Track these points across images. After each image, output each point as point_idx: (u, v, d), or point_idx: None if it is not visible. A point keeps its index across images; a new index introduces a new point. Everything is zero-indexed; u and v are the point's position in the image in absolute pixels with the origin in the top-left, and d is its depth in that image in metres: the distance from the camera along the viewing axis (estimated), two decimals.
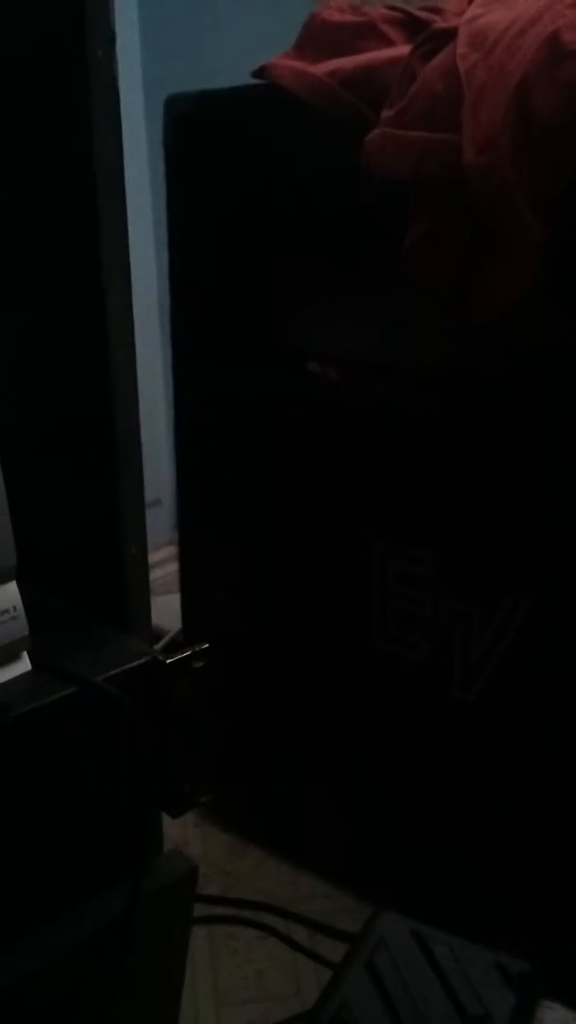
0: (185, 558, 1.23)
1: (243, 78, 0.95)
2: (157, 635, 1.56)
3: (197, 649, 0.58)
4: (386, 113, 0.84)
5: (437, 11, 0.91)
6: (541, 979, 0.68)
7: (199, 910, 1.14)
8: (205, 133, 1.02)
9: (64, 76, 0.51)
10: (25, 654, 0.48)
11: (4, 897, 0.55)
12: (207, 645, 0.59)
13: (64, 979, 0.59)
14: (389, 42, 0.93)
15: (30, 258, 0.62)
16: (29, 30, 0.55)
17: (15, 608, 0.46)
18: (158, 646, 0.60)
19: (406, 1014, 0.65)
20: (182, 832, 1.30)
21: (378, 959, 0.70)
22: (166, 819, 0.65)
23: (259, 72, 0.94)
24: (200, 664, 0.58)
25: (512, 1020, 0.64)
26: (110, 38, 0.48)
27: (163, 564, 1.82)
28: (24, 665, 0.48)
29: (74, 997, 0.60)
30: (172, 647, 0.59)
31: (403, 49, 0.88)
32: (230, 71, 0.96)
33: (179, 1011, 0.73)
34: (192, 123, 1.01)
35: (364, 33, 0.93)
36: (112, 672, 0.55)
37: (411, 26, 0.92)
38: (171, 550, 1.73)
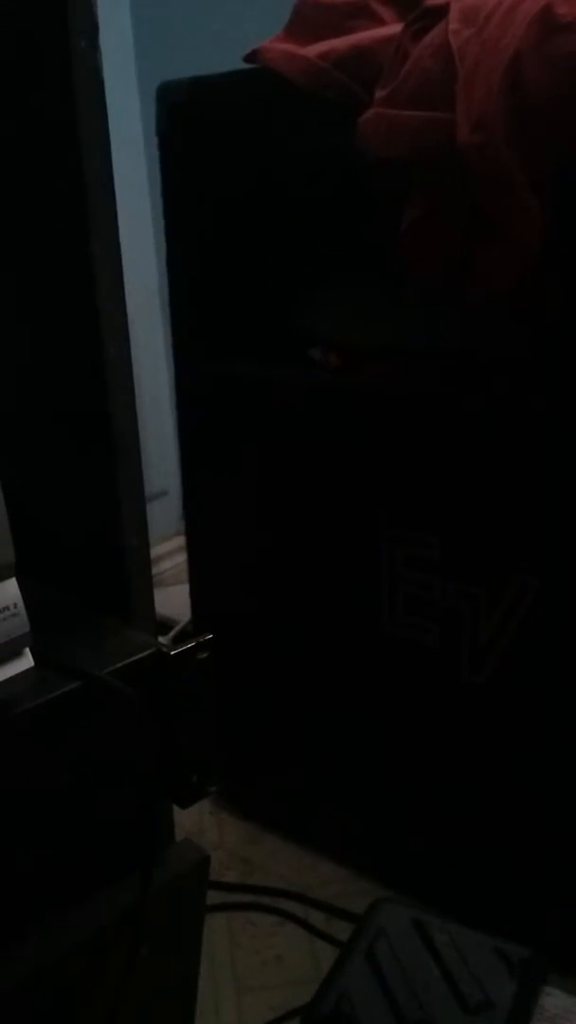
0: (192, 548, 1.23)
1: (238, 64, 0.94)
2: (167, 626, 1.56)
3: (201, 640, 0.58)
4: (379, 93, 0.83)
5: None
6: (542, 966, 0.68)
7: (217, 897, 1.15)
8: (198, 119, 1.01)
9: (47, 67, 0.50)
10: (27, 650, 0.48)
11: (17, 891, 0.55)
12: (211, 636, 0.59)
13: (79, 969, 0.60)
14: (381, 21, 0.91)
15: (22, 252, 0.61)
16: (11, 21, 0.54)
17: (15, 605, 0.46)
18: (168, 637, 0.60)
19: (406, 1003, 0.65)
20: (198, 821, 1.30)
21: (378, 948, 0.70)
22: (180, 809, 0.65)
23: (251, 56, 0.93)
24: (205, 655, 0.58)
25: (513, 1007, 0.64)
26: (93, 28, 0.48)
27: (172, 555, 1.82)
28: (26, 661, 0.48)
29: (89, 987, 0.61)
30: (182, 637, 0.58)
31: (395, 28, 0.87)
32: (225, 57, 0.95)
33: (196, 998, 0.74)
34: (185, 110, 1.01)
35: (355, 13, 0.92)
36: (116, 665, 0.55)
37: (403, 4, 0.91)
38: (180, 541, 1.74)
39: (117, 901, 0.59)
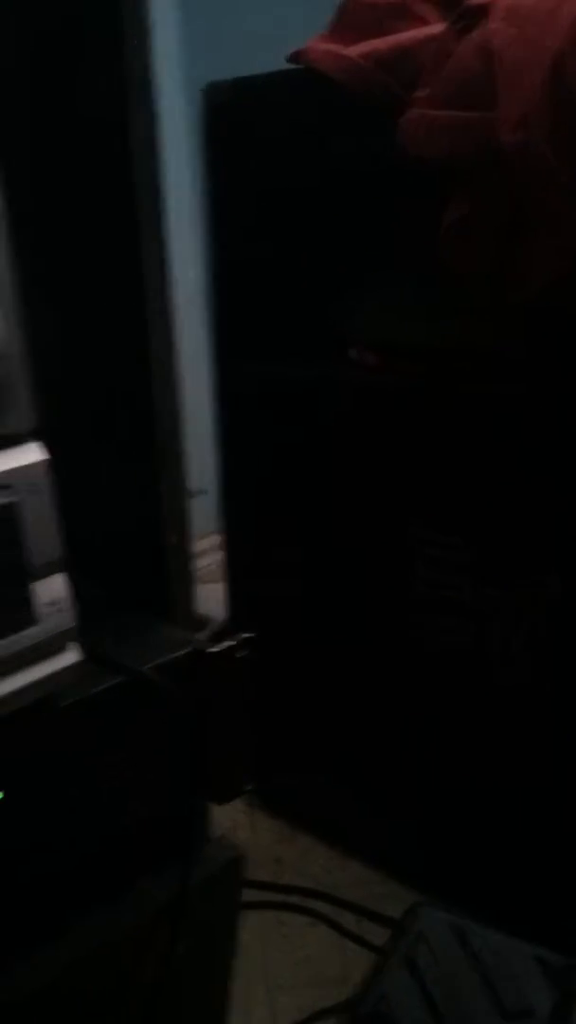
0: (229, 546, 1.24)
1: (281, 64, 0.94)
2: (203, 623, 1.57)
3: (240, 639, 0.58)
4: (421, 93, 0.82)
5: None
6: None
7: (249, 895, 1.15)
8: (242, 120, 1.01)
9: (98, 65, 0.51)
10: (72, 644, 0.48)
11: (54, 885, 0.56)
12: (250, 635, 0.59)
13: (116, 962, 0.60)
14: (423, 21, 0.91)
15: (70, 253, 0.62)
16: (64, 21, 0.55)
17: (63, 599, 0.47)
18: (203, 635, 0.60)
19: (445, 1008, 0.64)
20: (232, 819, 1.30)
21: (417, 952, 0.70)
22: (215, 806, 0.66)
23: (294, 56, 0.93)
24: (243, 653, 0.58)
25: (553, 1015, 0.63)
26: (145, 27, 0.48)
27: (210, 553, 1.82)
28: (72, 656, 0.48)
29: (126, 980, 0.61)
30: (217, 636, 0.59)
31: (437, 28, 0.86)
32: (269, 58, 0.95)
33: (230, 995, 0.74)
34: (229, 110, 1.01)
35: (398, 13, 0.92)
36: (157, 661, 0.56)
37: (444, 4, 0.90)
38: (216, 539, 1.74)
39: (154, 896, 0.60)
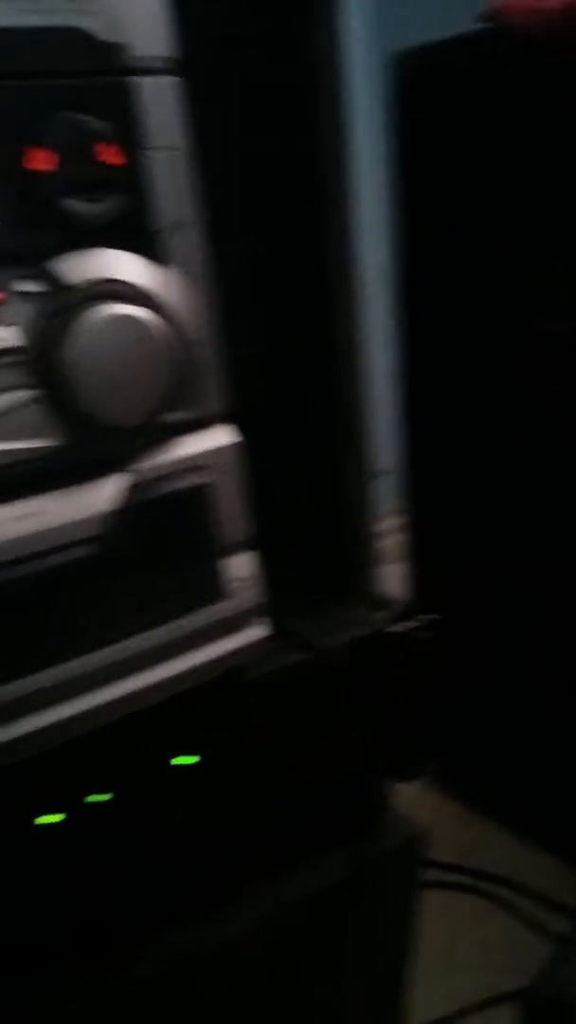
0: (414, 528, 1.23)
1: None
2: (384, 604, 1.57)
3: (424, 620, 0.58)
4: None
5: None
6: None
7: (429, 876, 1.15)
8: (431, 88, 0.98)
9: (292, 45, 0.51)
10: (259, 620, 0.50)
11: (240, 848, 0.58)
12: (435, 616, 0.58)
13: (295, 929, 0.62)
14: None
15: (256, 234, 0.63)
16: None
17: (252, 576, 0.48)
18: (385, 615, 0.60)
19: None
20: (413, 798, 1.30)
21: None
22: (397, 786, 0.66)
23: (486, 15, 0.89)
24: (427, 635, 0.58)
25: None
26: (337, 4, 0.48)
27: (389, 534, 1.82)
28: (259, 631, 0.50)
29: (304, 949, 0.63)
30: (398, 616, 0.59)
31: None
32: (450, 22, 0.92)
33: (408, 971, 0.74)
34: (417, 78, 0.98)
35: None
36: (340, 640, 0.56)
37: None
38: (396, 520, 1.73)
39: (335, 868, 0.61)
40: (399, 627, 0.58)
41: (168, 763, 0.52)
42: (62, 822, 0.48)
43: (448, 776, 1.31)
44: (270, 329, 0.65)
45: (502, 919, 1.10)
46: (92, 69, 0.38)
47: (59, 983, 0.53)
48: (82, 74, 0.38)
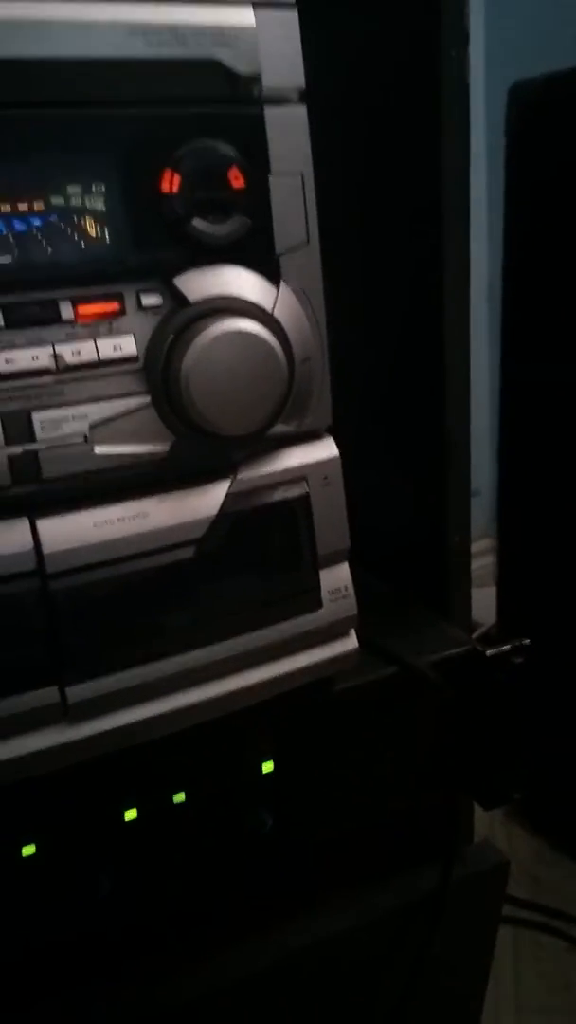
0: (505, 551, 1.21)
1: None
2: (474, 626, 1.55)
3: (518, 644, 0.58)
4: None
5: None
6: None
7: (505, 911, 1.12)
8: (553, 118, 0.98)
9: (417, 76, 0.52)
10: (352, 631, 0.50)
11: (316, 859, 0.59)
12: (528, 641, 0.58)
13: (372, 945, 0.62)
14: None
15: (372, 252, 0.65)
16: (386, 31, 0.57)
17: (346, 588, 0.49)
18: (475, 637, 0.60)
19: None
20: (489, 829, 1.28)
21: None
22: (484, 810, 0.65)
23: None
24: (519, 659, 0.58)
25: None
26: (464, 38, 0.49)
27: (479, 556, 1.80)
28: (351, 642, 0.50)
29: (381, 966, 0.63)
30: (486, 640, 0.59)
31: None
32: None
33: (481, 1007, 0.73)
34: (538, 109, 0.98)
35: None
36: (432, 658, 0.56)
37: None
38: (488, 542, 1.71)
39: (415, 889, 0.61)
40: (493, 649, 0.58)
41: (255, 769, 0.52)
42: (140, 819, 0.49)
43: (527, 809, 1.28)
44: (379, 342, 0.66)
45: (574, 961, 1.07)
46: (226, 98, 0.40)
47: (138, 980, 0.54)
48: (216, 102, 0.40)
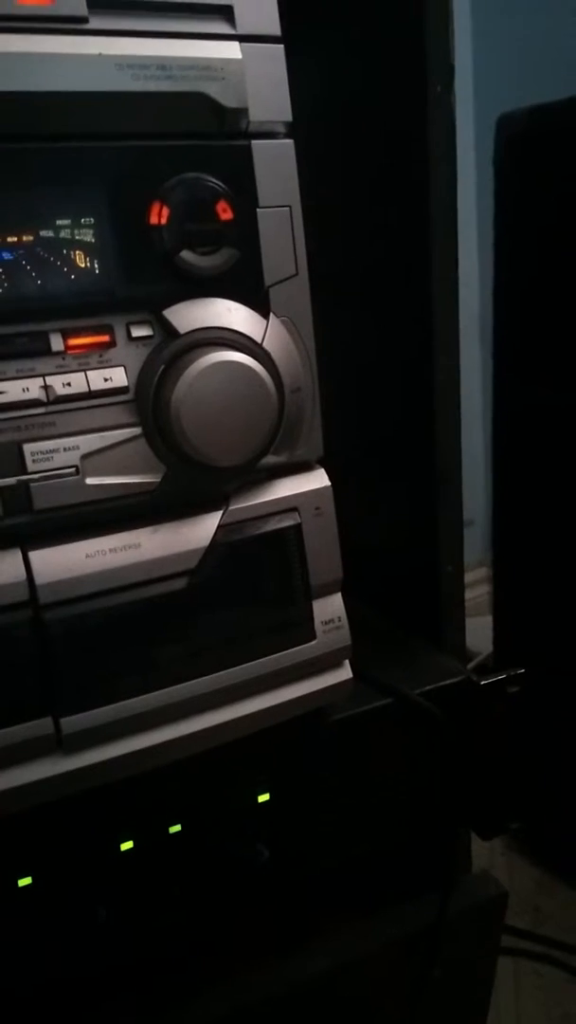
0: (499, 580, 1.21)
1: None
2: (468, 656, 1.54)
3: (512, 674, 0.57)
4: None
5: None
6: None
7: (505, 942, 1.11)
8: (538, 149, 0.99)
9: (403, 109, 0.53)
10: (346, 662, 0.50)
11: (313, 889, 0.58)
12: (523, 671, 0.58)
13: (371, 976, 0.61)
14: None
15: (363, 279, 0.65)
16: (368, 67, 0.58)
17: (340, 618, 0.49)
18: (469, 666, 0.60)
19: None
20: (488, 859, 1.27)
21: None
22: (474, 845, 0.65)
23: None
24: (515, 689, 0.57)
25: None
26: (448, 71, 0.50)
27: (474, 586, 1.80)
28: (344, 673, 0.50)
29: (381, 996, 0.62)
30: (481, 669, 0.58)
31: None
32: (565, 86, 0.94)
33: None
34: (525, 140, 1.00)
35: None
36: (426, 688, 0.56)
37: None
38: (483, 572, 1.71)
39: (414, 919, 0.60)
40: (487, 679, 0.57)
41: (251, 800, 0.52)
42: (136, 850, 0.49)
43: (528, 839, 1.27)
44: (366, 376, 0.66)
45: (573, 992, 1.06)
46: (214, 131, 0.40)
47: (133, 1012, 0.53)
48: (203, 136, 0.40)
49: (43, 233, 0.38)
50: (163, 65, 0.39)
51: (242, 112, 0.40)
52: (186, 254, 0.40)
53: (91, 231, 0.39)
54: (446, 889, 0.58)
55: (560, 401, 1.03)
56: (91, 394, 0.40)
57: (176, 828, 0.50)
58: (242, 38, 0.40)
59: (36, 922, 0.47)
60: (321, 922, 0.59)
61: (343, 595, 0.49)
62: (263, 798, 0.52)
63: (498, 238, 1.06)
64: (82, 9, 0.37)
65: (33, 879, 0.46)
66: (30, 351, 0.39)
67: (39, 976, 0.48)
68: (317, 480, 0.48)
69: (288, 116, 0.42)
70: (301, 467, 0.47)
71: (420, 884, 0.61)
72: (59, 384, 0.39)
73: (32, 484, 0.39)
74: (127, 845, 0.48)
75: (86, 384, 0.40)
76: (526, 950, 1.12)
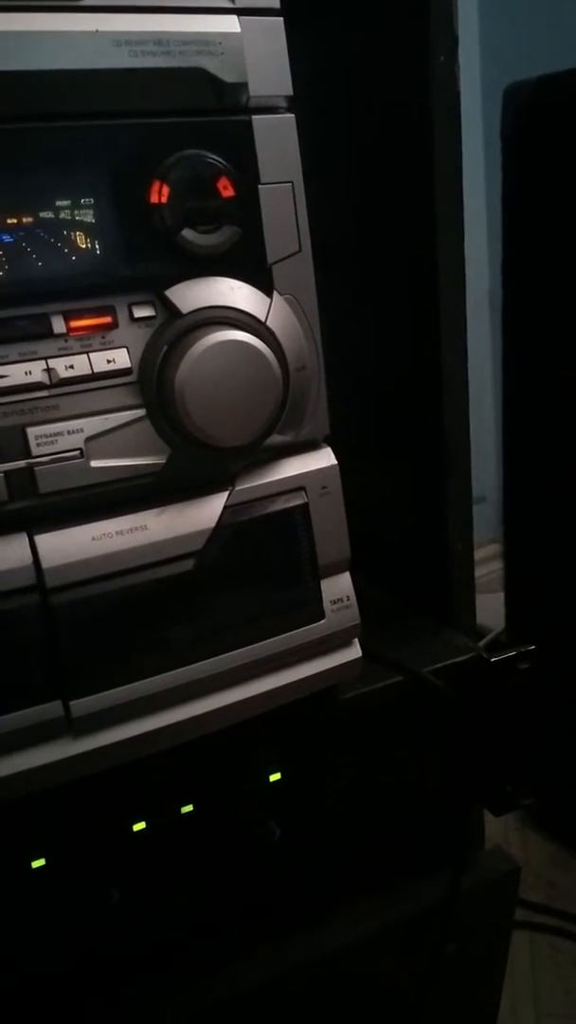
0: (511, 557, 1.21)
1: None
2: (479, 633, 1.54)
3: (523, 650, 0.57)
4: None
5: None
6: None
7: (521, 916, 1.12)
8: (546, 120, 0.98)
9: (407, 81, 0.52)
10: (356, 641, 0.50)
11: (327, 867, 0.58)
12: (533, 647, 0.57)
13: (384, 953, 0.61)
14: None
15: (368, 254, 0.64)
16: (369, 39, 0.57)
17: (348, 597, 0.49)
18: (480, 644, 0.60)
19: None
20: (503, 834, 1.28)
21: None
22: (488, 820, 0.65)
23: None
24: (526, 665, 0.57)
25: None
26: (452, 41, 0.49)
27: (486, 562, 1.79)
28: (354, 652, 0.50)
29: (394, 972, 0.62)
30: (493, 646, 0.58)
31: None
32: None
33: (496, 1012, 0.73)
34: (532, 110, 0.98)
35: None
36: (437, 665, 0.56)
37: None
38: (494, 548, 1.70)
39: (427, 895, 0.60)
40: (498, 656, 0.57)
41: (263, 779, 0.52)
42: (148, 831, 0.49)
43: (542, 814, 1.27)
44: (380, 346, 0.66)
45: None
46: (212, 107, 0.40)
47: (148, 992, 0.54)
48: (203, 112, 0.39)
49: (43, 214, 0.37)
50: (160, 40, 0.38)
51: (242, 87, 0.40)
52: (187, 233, 0.40)
53: (91, 211, 0.38)
54: (458, 865, 0.58)
55: (571, 376, 1.02)
56: (94, 376, 0.40)
57: (188, 809, 0.50)
58: (240, 11, 0.40)
59: (49, 903, 0.47)
60: (332, 901, 0.60)
61: (351, 574, 0.49)
62: (274, 777, 0.53)
63: (506, 212, 1.04)
64: None
65: (46, 861, 0.46)
66: (32, 334, 0.38)
67: (53, 957, 0.48)
68: (323, 459, 0.47)
69: (289, 90, 0.41)
70: (307, 446, 0.47)
71: (433, 860, 0.61)
72: (62, 367, 0.39)
73: (37, 468, 0.39)
74: (139, 826, 0.49)
75: (89, 366, 0.40)
76: (542, 924, 1.12)
